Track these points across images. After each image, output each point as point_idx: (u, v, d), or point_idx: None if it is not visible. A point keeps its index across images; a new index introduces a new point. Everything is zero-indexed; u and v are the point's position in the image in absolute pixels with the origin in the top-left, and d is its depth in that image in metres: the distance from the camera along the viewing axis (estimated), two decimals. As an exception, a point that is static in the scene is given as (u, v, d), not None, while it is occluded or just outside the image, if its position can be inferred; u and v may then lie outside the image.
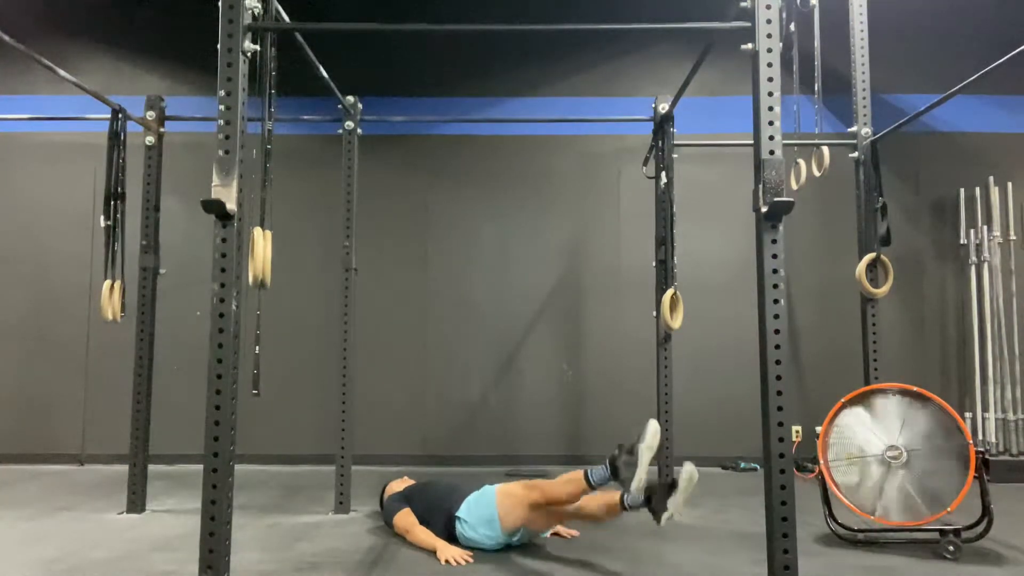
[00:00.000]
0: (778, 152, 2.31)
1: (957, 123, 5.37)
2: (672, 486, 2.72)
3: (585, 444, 5.20)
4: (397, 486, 3.49)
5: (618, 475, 2.76)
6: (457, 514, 3.04)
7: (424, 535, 3.08)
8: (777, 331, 2.27)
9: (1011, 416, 4.84)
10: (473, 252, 5.40)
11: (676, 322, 3.70)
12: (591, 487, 2.80)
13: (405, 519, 3.17)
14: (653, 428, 2.79)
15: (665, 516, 2.70)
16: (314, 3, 5.09)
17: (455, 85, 5.50)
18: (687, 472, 2.69)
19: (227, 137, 2.33)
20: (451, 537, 3.05)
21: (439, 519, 3.11)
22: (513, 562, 2.89)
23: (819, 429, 3.19)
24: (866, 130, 3.92)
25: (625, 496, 2.81)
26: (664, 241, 3.84)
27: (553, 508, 2.94)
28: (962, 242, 5.19)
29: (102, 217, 3.74)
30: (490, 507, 2.98)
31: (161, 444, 4.23)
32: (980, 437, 4.90)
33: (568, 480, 2.86)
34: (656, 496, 2.72)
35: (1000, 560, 2.93)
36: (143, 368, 3.78)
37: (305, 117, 4.67)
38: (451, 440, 5.22)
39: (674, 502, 2.69)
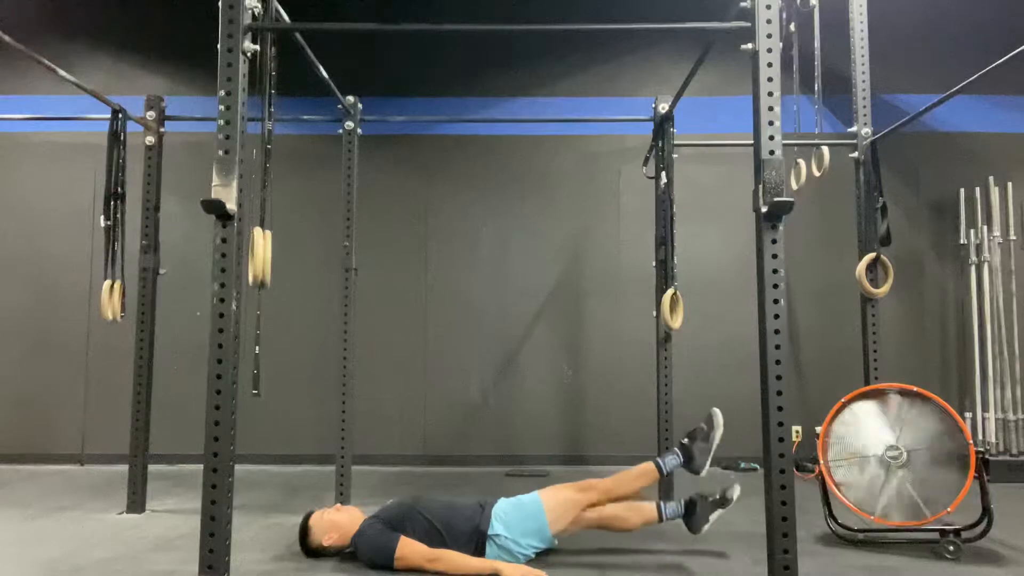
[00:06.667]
0: (778, 152, 2.31)
1: (957, 123, 5.36)
2: (722, 503, 2.94)
3: (585, 444, 5.20)
4: (342, 517, 2.87)
5: (692, 461, 2.98)
6: (491, 533, 2.78)
7: (467, 560, 2.68)
8: (777, 331, 2.28)
9: (1011, 416, 4.84)
10: (473, 252, 5.40)
11: (676, 322, 3.70)
12: (663, 475, 3.02)
13: (416, 547, 2.69)
14: (719, 416, 3.01)
15: (705, 528, 2.91)
16: (314, 3, 5.10)
17: (455, 85, 5.49)
18: (736, 491, 2.95)
19: (227, 137, 2.34)
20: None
21: (460, 539, 2.77)
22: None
23: (819, 429, 3.19)
24: (866, 130, 3.92)
25: (664, 508, 2.97)
26: (664, 241, 3.83)
27: (597, 508, 2.93)
28: (962, 242, 5.18)
29: (102, 217, 3.74)
30: (538, 517, 2.82)
31: (161, 444, 4.24)
32: (980, 437, 4.89)
33: (641, 473, 2.99)
34: (699, 509, 2.92)
35: (1000, 560, 2.92)
36: (143, 368, 3.78)
37: (305, 117, 4.67)
38: (451, 440, 5.22)
39: (716, 516, 2.92)
